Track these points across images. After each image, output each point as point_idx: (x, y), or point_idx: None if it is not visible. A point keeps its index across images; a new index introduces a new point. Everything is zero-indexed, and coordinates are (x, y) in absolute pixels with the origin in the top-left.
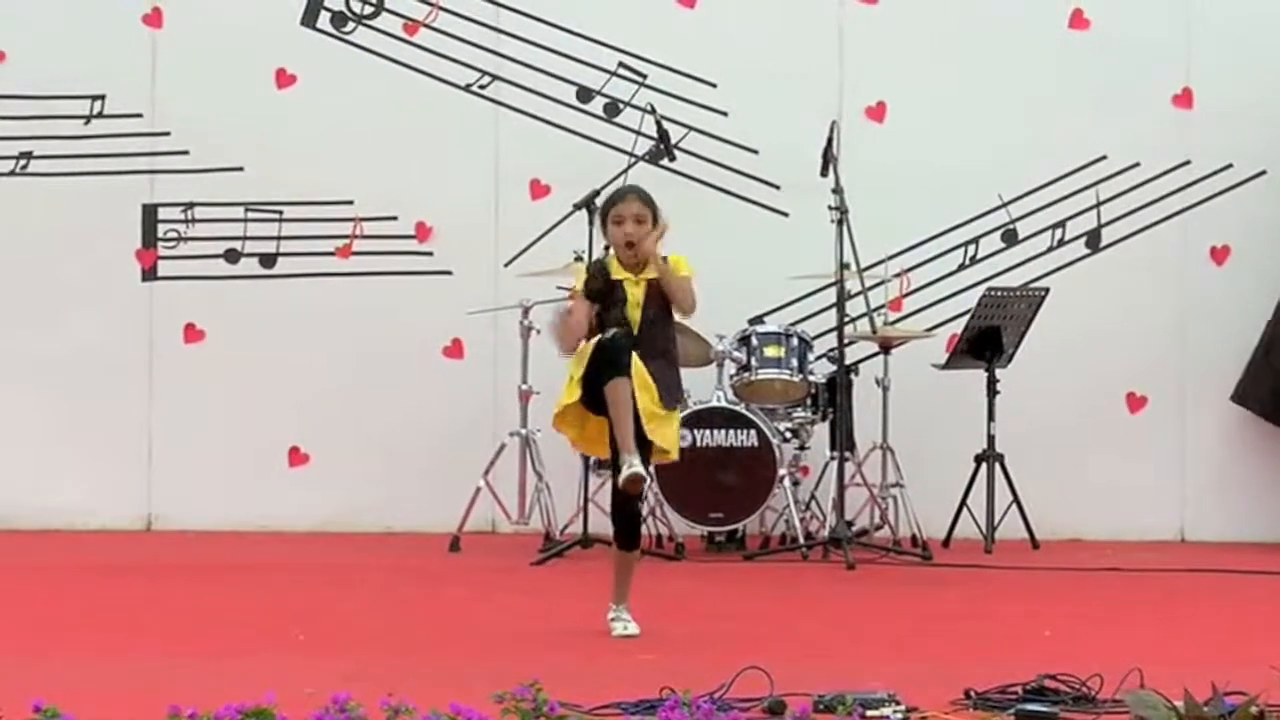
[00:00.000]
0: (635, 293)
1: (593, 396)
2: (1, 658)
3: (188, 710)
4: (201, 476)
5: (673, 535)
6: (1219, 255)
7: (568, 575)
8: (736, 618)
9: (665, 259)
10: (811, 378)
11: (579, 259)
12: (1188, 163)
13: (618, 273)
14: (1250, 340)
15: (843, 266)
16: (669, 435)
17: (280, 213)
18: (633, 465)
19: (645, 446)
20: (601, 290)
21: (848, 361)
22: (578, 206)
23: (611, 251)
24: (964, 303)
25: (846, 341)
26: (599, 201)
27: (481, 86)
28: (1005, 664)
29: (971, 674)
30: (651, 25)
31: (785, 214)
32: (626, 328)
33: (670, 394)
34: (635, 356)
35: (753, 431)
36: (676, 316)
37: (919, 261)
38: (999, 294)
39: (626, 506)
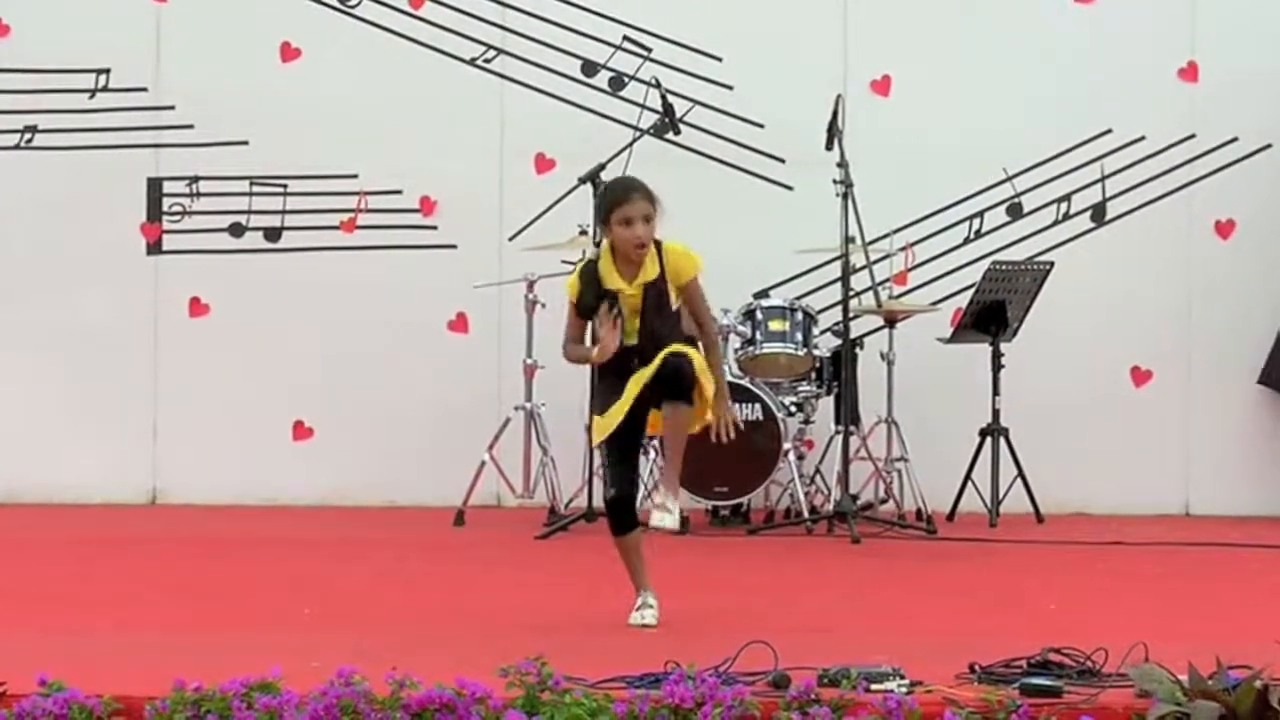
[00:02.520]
0: (632, 302)
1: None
2: (6, 631)
3: (193, 684)
4: (206, 450)
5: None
6: (1224, 229)
7: (572, 549)
8: (741, 592)
9: (658, 248)
10: (816, 352)
11: (583, 233)
12: (1193, 136)
13: (610, 280)
14: (1255, 315)
15: (847, 240)
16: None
17: (285, 186)
18: (663, 517)
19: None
20: (593, 308)
21: (853, 335)
22: (582, 180)
23: (603, 245)
24: (969, 276)
25: (851, 315)
26: (600, 179)
27: (486, 60)
28: (1010, 638)
29: (976, 648)
30: None
31: (790, 188)
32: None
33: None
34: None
35: (757, 405)
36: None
37: (924, 235)
38: (1004, 268)
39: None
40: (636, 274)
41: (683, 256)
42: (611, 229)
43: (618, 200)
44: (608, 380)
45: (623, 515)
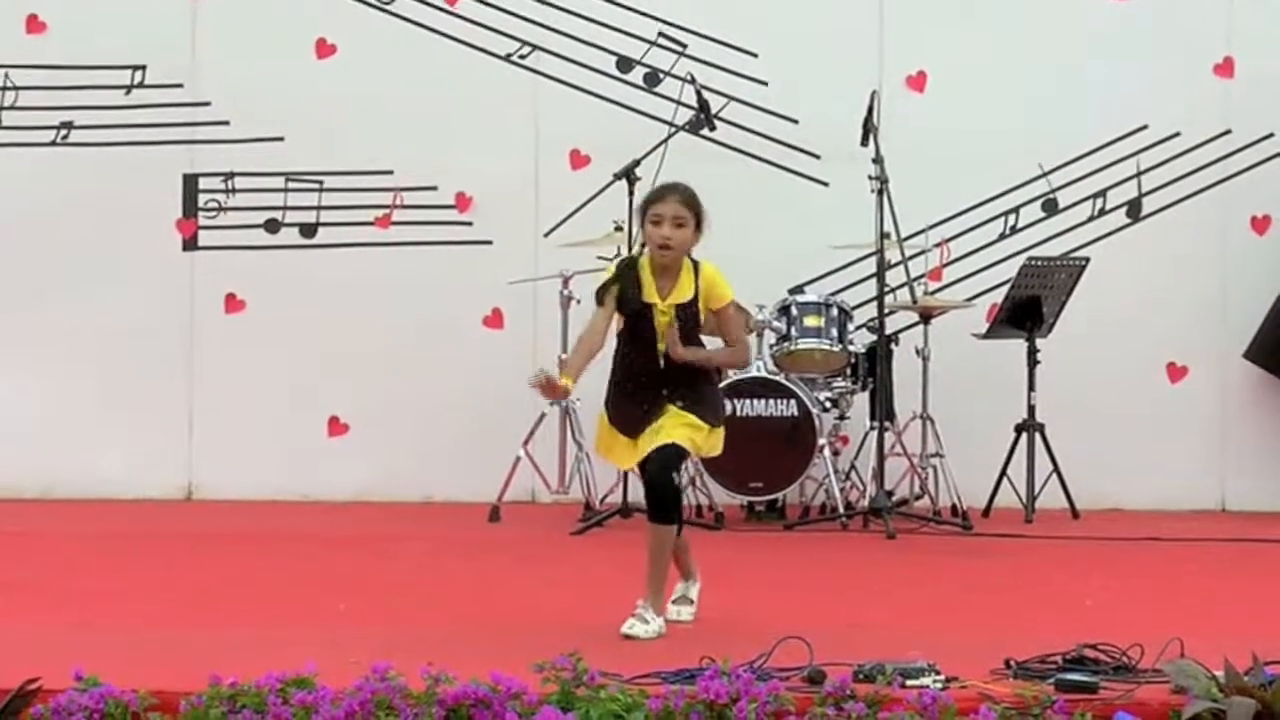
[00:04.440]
0: (662, 323)
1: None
2: (42, 627)
3: (229, 679)
4: (241, 446)
5: (712, 505)
6: (1260, 225)
7: (607, 545)
8: (776, 587)
9: (694, 263)
10: (851, 347)
11: (619, 229)
12: (1228, 132)
13: (649, 292)
14: None
15: (883, 236)
16: (716, 445)
17: (320, 183)
18: (633, 624)
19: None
20: (625, 303)
21: (888, 331)
22: (618, 176)
23: (647, 251)
24: (1004, 272)
25: (886, 311)
26: (640, 174)
27: (521, 56)
28: (1045, 633)
29: (1011, 643)
30: None
31: (825, 183)
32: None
33: (711, 416)
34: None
35: (792, 401)
36: (714, 304)
37: (959, 231)
38: (1039, 264)
39: (661, 480)
40: (671, 290)
41: (720, 283)
42: (645, 226)
43: (652, 198)
44: (626, 389)
45: (666, 475)
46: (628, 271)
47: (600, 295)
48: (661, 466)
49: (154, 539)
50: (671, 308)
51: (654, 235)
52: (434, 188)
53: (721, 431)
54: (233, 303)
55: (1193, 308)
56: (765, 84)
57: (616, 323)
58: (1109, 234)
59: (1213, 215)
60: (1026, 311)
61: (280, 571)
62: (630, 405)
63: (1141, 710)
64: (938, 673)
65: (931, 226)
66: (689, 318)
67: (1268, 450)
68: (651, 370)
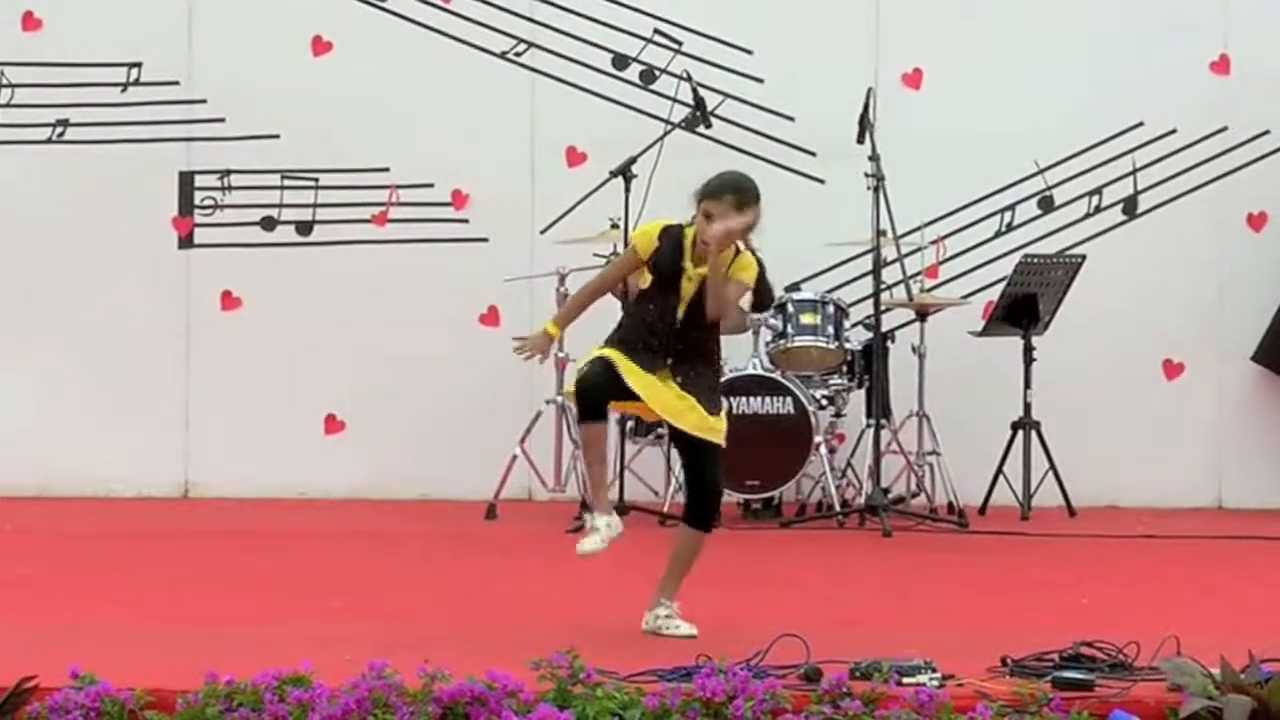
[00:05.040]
0: (688, 288)
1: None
2: (39, 624)
3: (225, 677)
4: (238, 443)
5: None
6: (1256, 222)
7: None
8: (773, 585)
9: (738, 252)
10: (847, 345)
11: (615, 226)
12: (1225, 129)
13: (686, 255)
14: None
15: (879, 233)
16: (720, 432)
17: (316, 180)
18: (595, 539)
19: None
20: (664, 264)
21: (884, 328)
22: (614, 174)
23: (694, 225)
24: (1000, 269)
25: (883, 308)
26: (631, 172)
27: (517, 53)
28: (1042, 631)
29: (1008, 641)
30: None
31: (821, 181)
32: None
33: (709, 403)
34: (645, 370)
35: (788, 399)
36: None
37: (955, 228)
38: (1035, 261)
39: (709, 477)
40: (702, 264)
41: (749, 268)
42: (699, 211)
43: (709, 193)
44: (633, 339)
45: (593, 397)
46: (673, 234)
47: (635, 249)
48: (719, 472)
49: (151, 537)
50: (700, 276)
51: (701, 229)
52: (430, 185)
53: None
54: (229, 300)
55: (1189, 305)
56: (761, 81)
57: (634, 283)
58: (1105, 231)
59: (1209, 212)
60: (1022, 309)
61: (276, 569)
62: (632, 353)
63: (1138, 708)
64: (934, 670)
65: (927, 224)
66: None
67: (1265, 447)
68: (663, 332)
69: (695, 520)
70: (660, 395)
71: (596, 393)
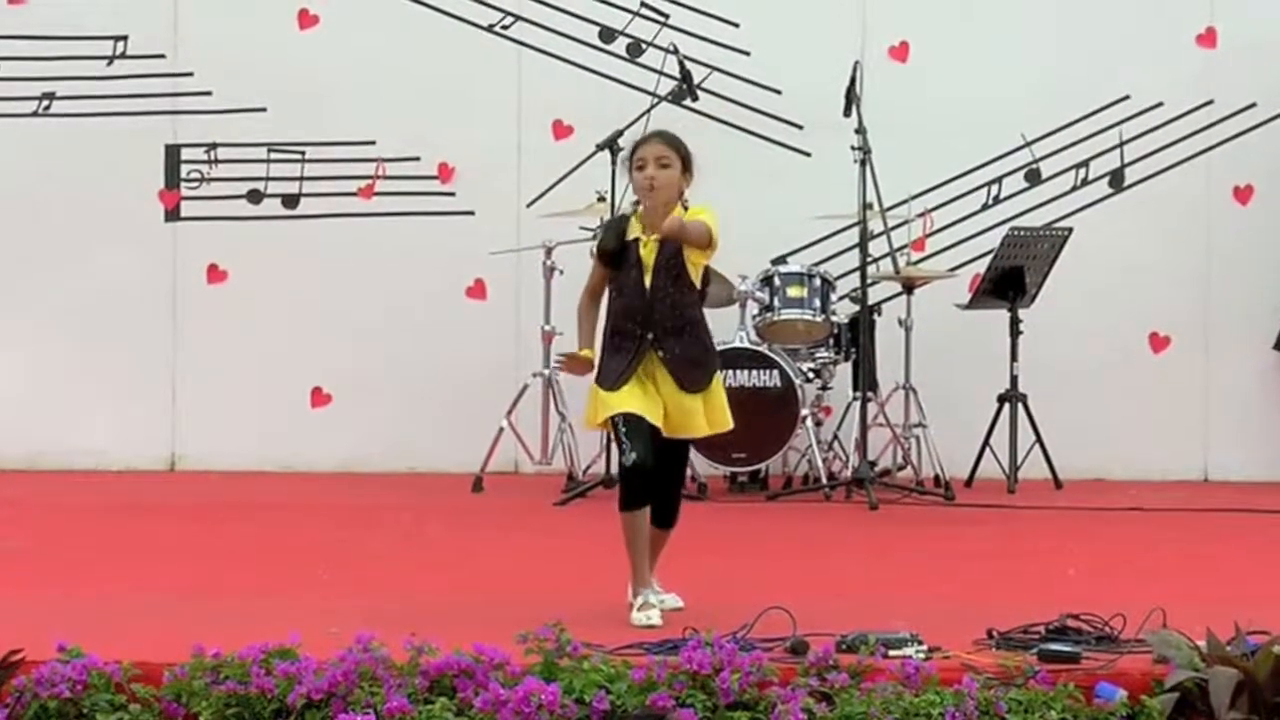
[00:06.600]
0: (646, 256)
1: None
2: (26, 597)
3: (212, 649)
4: (224, 417)
5: (695, 476)
6: (1242, 195)
7: (590, 516)
8: (759, 558)
9: (685, 207)
10: (834, 318)
11: (601, 199)
12: (1211, 102)
13: (634, 229)
14: (1274, 280)
15: (866, 206)
16: (703, 422)
17: (303, 153)
18: (649, 615)
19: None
20: (614, 251)
21: (870, 301)
22: (600, 147)
23: (640, 207)
24: (987, 243)
25: (869, 281)
26: (622, 144)
27: (504, 27)
28: (1028, 604)
29: (994, 614)
30: None
31: (808, 154)
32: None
33: (693, 374)
34: (639, 358)
35: (775, 372)
36: (697, 256)
37: (942, 201)
38: (1022, 234)
39: (676, 484)
40: (655, 230)
41: (705, 211)
42: (631, 174)
43: (635, 146)
44: (614, 350)
45: (643, 484)
46: (615, 222)
47: (593, 252)
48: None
49: (137, 510)
50: (655, 241)
51: (639, 180)
52: (417, 158)
53: (716, 393)
54: (215, 273)
55: (1175, 278)
56: (748, 54)
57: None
58: (1092, 204)
59: (1195, 185)
60: (1009, 282)
61: (263, 542)
62: (619, 363)
63: (1124, 680)
64: (920, 643)
65: (914, 197)
66: (674, 253)
67: (1250, 420)
68: (639, 309)
69: (661, 522)
70: (673, 420)
71: (644, 481)
